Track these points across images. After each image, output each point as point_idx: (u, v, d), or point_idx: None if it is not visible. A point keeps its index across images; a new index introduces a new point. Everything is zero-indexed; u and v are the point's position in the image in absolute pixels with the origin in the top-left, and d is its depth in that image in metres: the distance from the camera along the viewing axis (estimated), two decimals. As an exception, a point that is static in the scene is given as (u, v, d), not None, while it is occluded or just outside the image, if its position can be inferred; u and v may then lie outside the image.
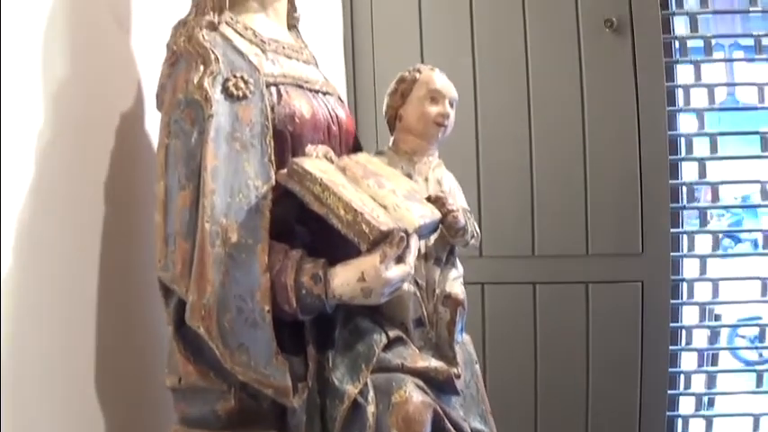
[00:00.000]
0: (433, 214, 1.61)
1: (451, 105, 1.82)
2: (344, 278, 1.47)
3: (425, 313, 1.72)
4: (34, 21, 1.46)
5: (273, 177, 1.53)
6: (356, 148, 1.81)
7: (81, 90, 1.59)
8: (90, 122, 1.63)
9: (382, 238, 1.45)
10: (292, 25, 1.87)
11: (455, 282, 1.74)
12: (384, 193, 1.56)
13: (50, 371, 1.49)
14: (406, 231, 1.48)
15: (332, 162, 1.61)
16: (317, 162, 1.55)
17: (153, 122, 1.73)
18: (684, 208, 3.04)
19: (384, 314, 1.65)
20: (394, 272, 1.47)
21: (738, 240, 8.96)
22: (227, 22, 1.64)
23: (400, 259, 1.48)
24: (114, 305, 1.68)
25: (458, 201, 1.77)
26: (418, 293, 1.70)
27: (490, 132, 2.99)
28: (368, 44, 3.14)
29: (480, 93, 3.02)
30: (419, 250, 1.59)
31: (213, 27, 1.60)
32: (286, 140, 1.59)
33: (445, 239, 1.73)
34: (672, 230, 2.96)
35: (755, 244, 7.86)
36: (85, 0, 1.61)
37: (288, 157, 1.58)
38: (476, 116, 2.98)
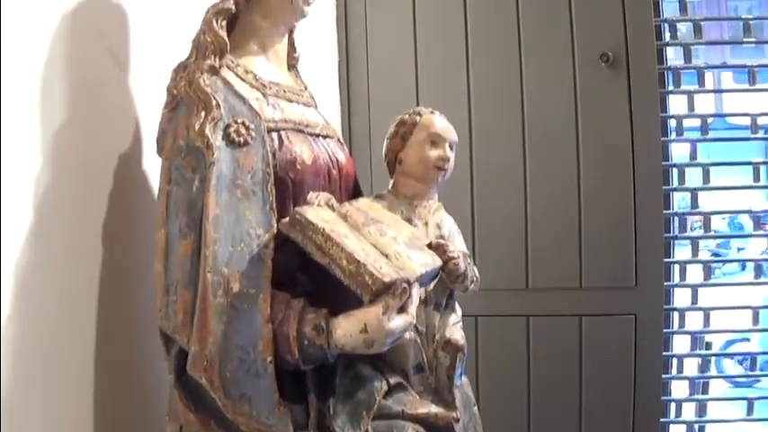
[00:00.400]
0: (434, 262, 1.60)
1: (451, 148, 1.82)
2: (347, 329, 1.46)
3: (425, 359, 1.71)
4: (33, 62, 1.45)
5: (275, 226, 1.53)
6: (356, 190, 1.81)
7: (80, 132, 1.58)
8: (89, 164, 1.62)
9: (385, 290, 1.45)
10: (292, 65, 1.87)
11: (455, 327, 1.74)
12: (386, 241, 1.55)
13: (52, 420, 1.48)
14: (408, 281, 1.48)
15: (333, 209, 1.60)
16: (319, 211, 1.54)
17: (152, 163, 1.74)
18: (676, 238, 3.07)
19: (385, 360, 1.64)
20: (396, 322, 1.47)
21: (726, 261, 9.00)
22: (227, 66, 1.63)
23: (402, 309, 1.48)
24: (114, 352, 1.67)
25: (457, 245, 1.76)
26: (418, 339, 1.70)
27: (484, 164, 3.00)
28: (363, 83, 3.15)
29: (475, 124, 3.03)
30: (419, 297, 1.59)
31: (214, 71, 1.59)
32: (287, 187, 1.59)
33: (445, 284, 1.72)
34: (664, 260, 2.98)
35: (743, 266, 7.92)
36: (84, 41, 1.61)
37: (289, 204, 1.58)
38: (470, 148, 2.99)
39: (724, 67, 3.38)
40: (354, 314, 1.47)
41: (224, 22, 1.64)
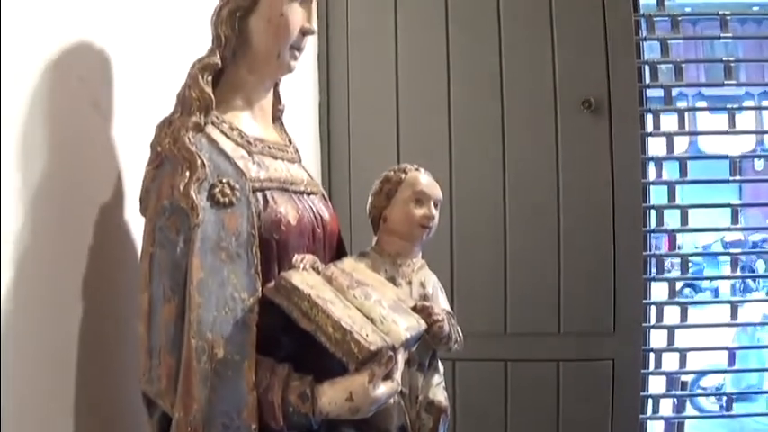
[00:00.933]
0: (419, 325, 1.60)
1: (436, 206, 1.81)
2: (332, 397, 1.46)
3: (408, 420, 1.70)
4: (13, 109, 1.42)
5: (260, 290, 1.51)
6: (339, 246, 1.80)
7: (60, 183, 1.55)
8: (69, 218, 1.59)
9: (371, 358, 1.45)
10: (277, 117, 1.86)
11: (438, 388, 1.73)
12: (370, 305, 1.54)
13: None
14: (393, 347, 1.47)
15: (318, 272, 1.58)
16: (304, 276, 1.53)
17: (134, 215, 1.71)
18: (654, 279, 3.09)
19: (368, 422, 1.62)
20: (382, 390, 1.47)
21: (700, 290, 9.11)
22: (213, 122, 1.61)
23: (387, 375, 1.48)
24: (95, 415, 1.64)
25: (441, 304, 1.76)
26: (402, 401, 1.68)
27: (464, 208, 3.00)
28: (344, 132, 3.15)
29: (455, 169, 3.03)
30: None
31: (199, 129, 1.57)
32: (272, 248, 1.57)
33: (429, 344, 1.71)
34: (642, 301, 2.99)
35: (716, 292, 8.01)
36: (66, 88, 1.58)
37: (274, 266, 1.57)
38: (450, 191, 2.98)
39: (704, 109, 3.38)
40: (340, 382, 1.46)
41: (210, 78, 1.62)
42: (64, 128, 1.57)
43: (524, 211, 2.99)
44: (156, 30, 1.94)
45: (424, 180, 1.81)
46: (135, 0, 1.84)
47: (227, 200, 1.52)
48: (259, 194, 1.58)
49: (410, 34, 3.11)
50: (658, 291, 3.15)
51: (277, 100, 1.84)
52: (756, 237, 8.87)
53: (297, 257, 1.59)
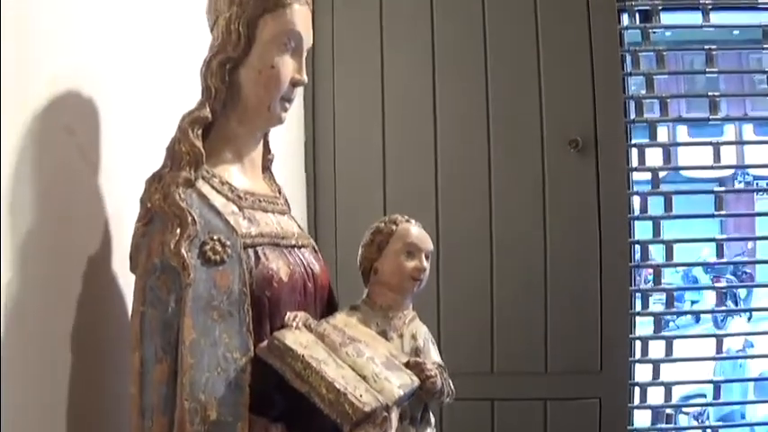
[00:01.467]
0: (412, 382, 1.59)
1: (427, 258, 1.80)
2: None
3: (400, 474, 1.68)
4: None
5: (252, 349, 1.50)
6: (330, 299, 1.78)
7: (48, 236, 1.53)
8: (57, 271, 1.57)
9: (365, 419, 1.43)
10: (266, 167, 1.84)
11: (430, 440, 1.71)
12: (363, 362, 1.54)
13: None
14: (387, 406, 1.46)
15: (311, 329, 1.57)
16: (297, 335, 1.52)
17: (122, 268, 1.68)
18: (639, 314, 3.09)
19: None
20: None
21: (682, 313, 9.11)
22: (203, 177, 1.60)
23: None
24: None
25: (432, 356, 1.75)
26: (394, 456, 1.66)
27: (451, 246, 2.99)
28: (330, 173, 3.15)
29: (441, 208, 3.03)
30: None
31: (190, 184, 1.55)
32: (264, 305, 1.55)
33: (421, 398, 1.69)
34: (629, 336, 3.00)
35: (697, 318, 8.03)
36: (53, 139, 1.56)
37: (265, 323, 1.55)
38: (437, 231, 2.95)
39: (690, 144, 3.39)
40: None
41: (199, 131, 1.60)
42: (51, 178, 1.55)
43: (511, 251, 3.00)
44: (145, 79, 1.92)
45: (416, 232, 1.80)
46: (122, 48, 1.83)
47: (218, 257, 1.51)
48: (250, 251, 1.56)
49: (397, 78, 3.12)
50: (643, 323, 3.15)
51: (266, 150, 1.83)
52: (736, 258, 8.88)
53: (289, 315, 1.57)
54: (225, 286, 1.50)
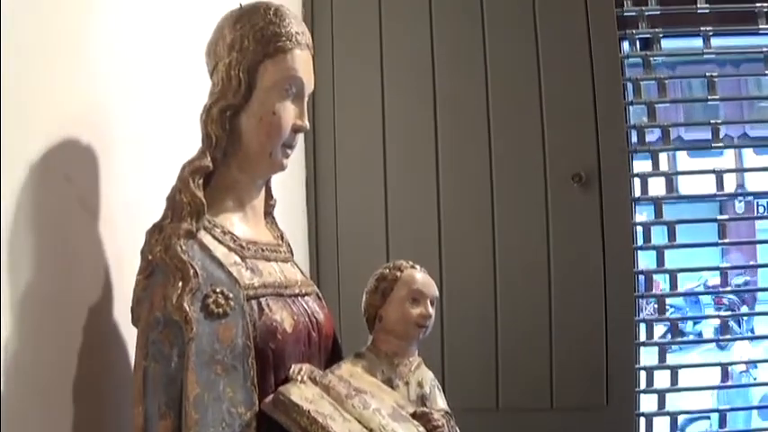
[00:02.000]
0: None
1: (432, 304, 1.78)
2: None
3: None
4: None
5: (257, 403, 1.48)
6: (335, 347, 1.77)
7: (47, 286, 1.50)
8: (57, 320, 1.54)
9: None
10: (268, 212, 1.82)
11: (436, 489, 1.69)
12: (370, 415, 1.52)
13: None
14: None
15: (316, 382, 1.55)
16: (302, 389, 1.50)
17: (123, 317, 1.66)
18: (644, 344, 3.08)
19: None
20: None
21: (683, 334, 9.09)
22: (204, 227, 1.57)
23: None
24: None
25: (439, 403, 1.73)
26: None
27: (454, 283, 2.97)
28: (332, 222, 3.13)
29: (445, 244, 3.01)
30: None
31: (191, 235, 1.53)
32: (268, 358, 1.53)
33: (427, 446, 1.67)
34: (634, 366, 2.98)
35: (699, 334, 7.99)
36: (52, 188, 1.55)
37: (269, 375, 1.53)
38: (440, 268, 2.96)
39: (693, 172, 3.38)
40: None
41: (200, 181, 1.58)
42: (51, 228, 1.53)
43: (515, 286, 2.98)
44: (146, 126, 1.91)
45: (420, 278, 1.78)
46: (122, 96, 1.81)
47: (221, 310, 1.48)
48: (253, 302, 1.54)
49: (398, 116, 3.12)
50: (648, 353, 3.14)
51: (268, 195, 1.81)
52: (739, 279, 8.85)
53: (294, 368, 1.55)
54: (228, 339, 1.48)
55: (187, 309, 1.45)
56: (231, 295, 1.51)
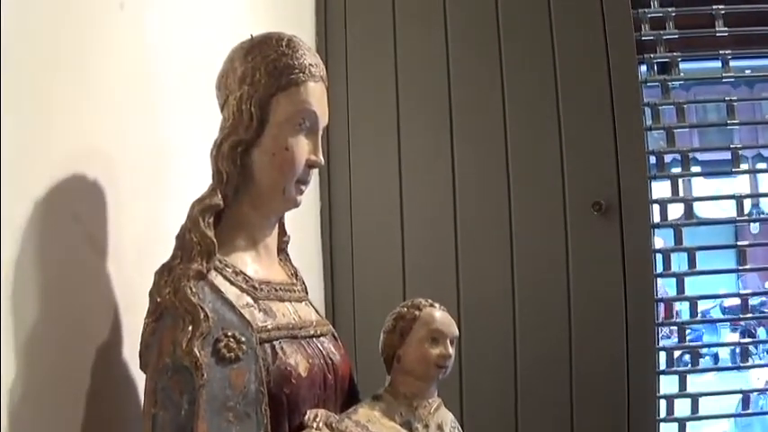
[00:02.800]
0: None
1: (452, 344, 1.72)
2: None
3: None
4: (6, 253, 1.31)
5: (272, 453, 1.41)
6: (352, 388, 1.72)
7: (56, 326, 1.45)
8: (66, 360, 1.49)
9: None
10: (281, 249, 1.77)
11: None
12: None
13: None
14: None
15: (332, 428, 1.51)
16: None
17: (132, 355, 1.61)
18: (664, 373, 3.03)
19: None
20: None
21: (700, 356, 9.02)
22: (215, 267, 1.52)
23: None
24: None
25: (459, 447, 1.66)
26: None
27: (472, 316, 2.92)
28: (347, 259, 3.08)
29: (462, 276, 2.97)
30: None
31: (201, 276, 1.48)
32: (282, 404, 1.47)
33: (445, 489, 1.62)
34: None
35: (715, 358, 7.93)
36: (59, 227, 1.50)
37: (284, 421, 1.47)
38: (457, 299, 2.91)
39: (712, 198, 3.34)
40: None
41: (211, 220, 1.53)
42: (57, 270, 1.48)
43: (535, 320, 2.93)
44: (155, 162, 1.87)
45: (440, 317, 1.73)
46: (130, 129, 1.77)
47: (233, 355, 1.43)
48: (267, 346, 1.48)
49: (414, 147, 3.09)
50: (666, 380, 3.08)
51: (282, 232, 1.76)
52: (755, 300, 8.79)
53: (309, 414, 1.50)
54: (240, 385, 1.42)
55: (197, 354, 1.39)
56: (243, 339, 1.45)
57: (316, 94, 1.62)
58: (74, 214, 1.55)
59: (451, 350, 1.72)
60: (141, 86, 1.83)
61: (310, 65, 1.61)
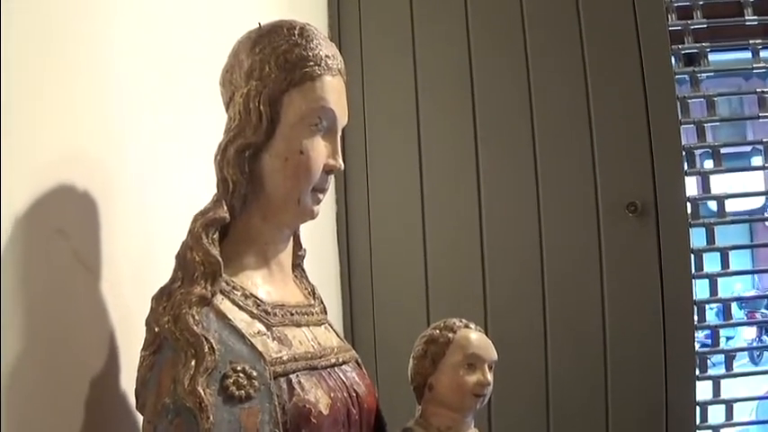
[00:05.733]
0: None
1: (490, 369, 1.57)
2: None
3: None
4: None
5: (290, 505, 1.24)
6: (378, 422, 1.54)
7: (43, 352, 1.29)
8: (54, 393, 1.33)
9: None
10: (296, 264, 1.59)
11: None
12: None
13: None
14: None
15: None
16: None
17: (130, 388, 1.43)
18: (698, 378, 2.89)
19: None
20: None
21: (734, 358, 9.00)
22: (222, 290, 1.34)
23: None
24: None
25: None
26: None
27: (502, 331, 2.74)
28: (366, 269, 2.94)
29: (490, 287, 2.83)
30: None
31: (205, 302, 1.30)
32: (301, 446, 1.30)
33: None
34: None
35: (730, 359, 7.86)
36: (45, 244, 1.34)
37: (302, 464, 1.30)
38: (485, 313, 2.78)
39: (743, 195, 3.22)
40: None
41: (215, 235, 1.35)
42: (43, 291, 1.31)
43: (567, 335, 2.82)
44: (152, 169, 1.70)
45: (476, 340, 1.57)
46: (123, 134, 1.60)
47: (242, 393, 1.25)
48: (282, 380, 1.31)
49: (436, 148, 2.95)
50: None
51: (297, 245, 1.58)
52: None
53: None
54: (252, 427, 1.24)
55: (202, 393, 1.22)
56: (255, 373, 1.27)
57: (333, 90, 1.44)
58: (59, 229, 1.39)
59: (490, 377, 1.57)
60: (135, 84, 1.66)
61: (327, 56, 1.43)
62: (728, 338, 6.68)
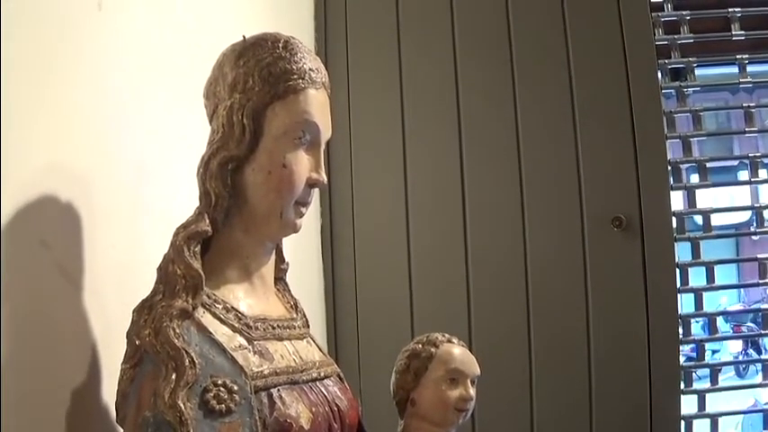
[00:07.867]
0: None
1: (473, 384, 1.57)
2: None
3: None
4: None
5: None
6: (360, 432, 1.53)
7: (24, 366, 1.28)
8: (35, 408, 1.32)
9: None
10: (279, 278, 1.59)
11: None
12: None
13: None
14: None
15: None
16: None
17: (111, 403, 1.40)
18: (684, 392, 2.87)
19: None
20: None
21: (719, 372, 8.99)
22: (203, 303, 1.33)
23: None
24: None
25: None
26: None
27: (486, 344, 2.75)
28: (350, 282, 2.92)
29: (474, 302, 2.82)
30: None
31: (186, 315, 1.29)
32: (282, 462, 1.29)
33: None
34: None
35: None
36: (26, 256, 1.33)
37: (284, 470, 1.29)
38: (469, 328, 2.77)
39: (728, 209, 3.23)
40: None
41: (197, 249, 1.35)
42: (24, 304, 1.30)
43: (552, 349, 2.81)
44: (134, 180, 1.69)
45: (459, 354, 1.58)
46: (106, 144, 1.59)
47: (223, 407, 1.25)
48: (263, 394, 1.30)
49: (421, 162, 2.94)
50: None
51: (279, 259, 1.58)
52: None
53: None
54: None
55: (182, 407, 1.21)
56: (236, 387, 1.27)
57: (317, 103, 1.44)
58: (41, 240, 1.38)
59: (473, 392, 1.57)
60: (120, 95, 1.65)
61: (311, 69, 1.43)
62: (714, 352, 6.66)
